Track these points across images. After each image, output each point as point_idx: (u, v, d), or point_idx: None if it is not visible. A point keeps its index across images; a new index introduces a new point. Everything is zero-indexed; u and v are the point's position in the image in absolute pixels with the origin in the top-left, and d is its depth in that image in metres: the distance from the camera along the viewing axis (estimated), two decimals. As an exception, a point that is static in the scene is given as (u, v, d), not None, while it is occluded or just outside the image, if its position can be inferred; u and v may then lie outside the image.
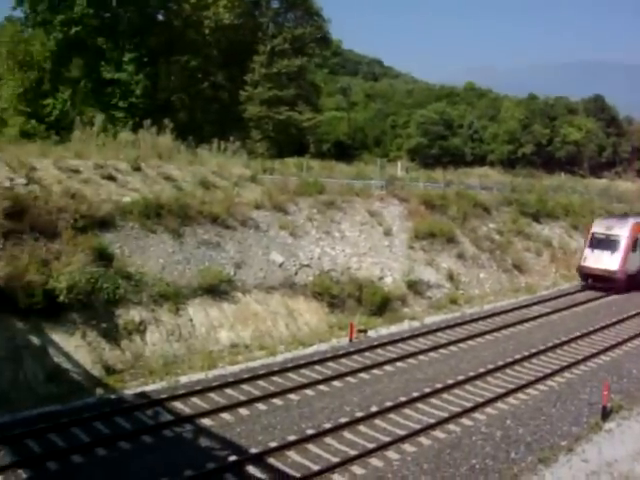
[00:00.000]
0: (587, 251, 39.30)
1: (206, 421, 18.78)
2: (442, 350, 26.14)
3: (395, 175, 49.90)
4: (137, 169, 30.19)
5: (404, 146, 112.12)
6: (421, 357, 25.19)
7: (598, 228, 39.68)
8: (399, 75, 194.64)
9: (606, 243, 38.43)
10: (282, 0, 77.66)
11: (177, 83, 67.84)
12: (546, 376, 23.26)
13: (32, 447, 16.99)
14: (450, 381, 22.50)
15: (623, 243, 38.03)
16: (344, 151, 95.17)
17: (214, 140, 38.34)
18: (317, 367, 23.58)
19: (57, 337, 21.59)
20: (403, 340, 27.06)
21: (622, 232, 38.53)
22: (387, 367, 23.88)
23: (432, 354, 25.60)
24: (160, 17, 69.42)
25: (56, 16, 60.97)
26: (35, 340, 21.18)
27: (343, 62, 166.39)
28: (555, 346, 26.93)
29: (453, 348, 26.50)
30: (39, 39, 63.96)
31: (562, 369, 24.09)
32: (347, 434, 18.36)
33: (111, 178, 28.58)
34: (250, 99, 72.19)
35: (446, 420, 19.35)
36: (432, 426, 18.90)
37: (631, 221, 39.58)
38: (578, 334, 28.65)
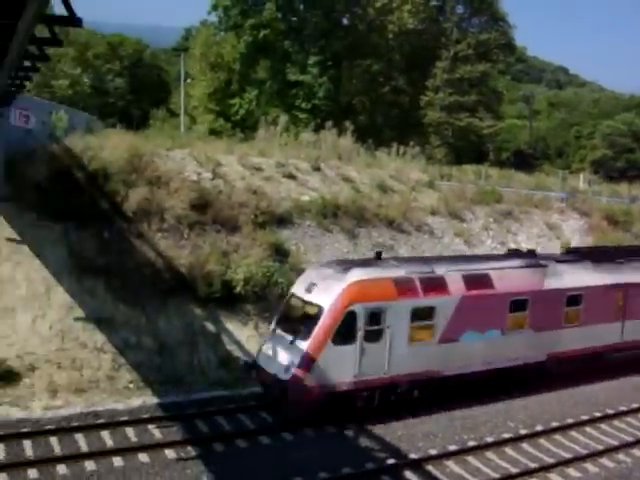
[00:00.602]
0: (270, 334, 19.95)
1: (369, 421, 18.88)
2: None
3: (577, 188, 48.01)
4: (317, 169, 30.92)
5: (587, 158, 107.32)
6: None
7: (299, 287, 19.79)
8: (585, 83, 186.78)
9: (296, 319, 19.21)
10: (467, 5, 76.71)
11: (359, 86, 68.62)
12: None
13: (201, 427, 17.97)
14: (623, 408, 21.37)
15: (320, 321, 17.99)
16: (524, 160, 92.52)
17: (393, 144, 38.55)
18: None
19: (231, 326, 22.60)
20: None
21: (324, 299, 18.34)
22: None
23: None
24: (345, 21, 70.63)
25: (247, 20, 63.86)
26: (211, 327, 22.29)
27: (527, 69, 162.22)
28: None
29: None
30: (230, 42, 67.31)
31: None
32: (509, 450, 17.92)
33: (291, 177, 29.45)
34: (430, 104, 71.80)
35: (616, 448, 18.41)
36: (600, 453, 18.05)
37: (352, 276, 18.61)
38: None
